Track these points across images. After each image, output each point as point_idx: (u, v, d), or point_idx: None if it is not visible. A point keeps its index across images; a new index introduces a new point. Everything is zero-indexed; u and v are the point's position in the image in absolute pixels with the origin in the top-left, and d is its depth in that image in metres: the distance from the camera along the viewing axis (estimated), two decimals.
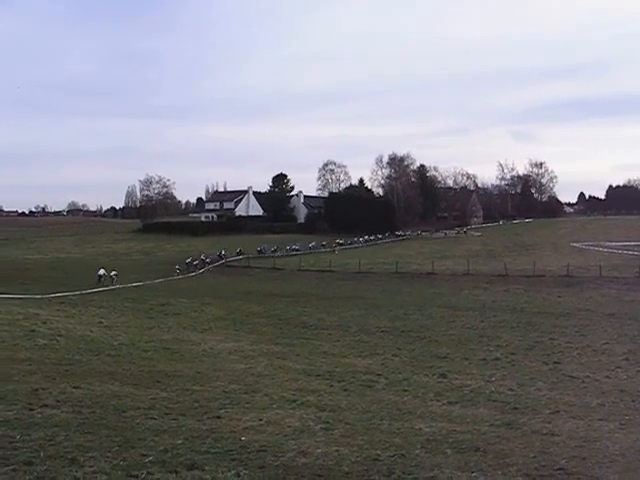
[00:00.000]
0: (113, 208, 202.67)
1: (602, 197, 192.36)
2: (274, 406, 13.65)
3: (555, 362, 21.08)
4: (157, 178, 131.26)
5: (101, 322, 28.24)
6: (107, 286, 47.21)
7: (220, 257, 73.28)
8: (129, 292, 43.74)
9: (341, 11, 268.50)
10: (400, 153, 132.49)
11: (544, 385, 17.33)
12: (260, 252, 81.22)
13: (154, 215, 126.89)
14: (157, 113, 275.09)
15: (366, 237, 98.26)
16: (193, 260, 67.93)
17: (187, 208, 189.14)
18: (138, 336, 24.64)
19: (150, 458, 9.30)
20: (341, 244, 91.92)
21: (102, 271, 50.56)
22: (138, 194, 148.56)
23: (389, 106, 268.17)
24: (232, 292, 45.90)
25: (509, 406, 14.70)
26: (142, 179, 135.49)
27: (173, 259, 74.13)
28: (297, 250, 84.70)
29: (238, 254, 76.85)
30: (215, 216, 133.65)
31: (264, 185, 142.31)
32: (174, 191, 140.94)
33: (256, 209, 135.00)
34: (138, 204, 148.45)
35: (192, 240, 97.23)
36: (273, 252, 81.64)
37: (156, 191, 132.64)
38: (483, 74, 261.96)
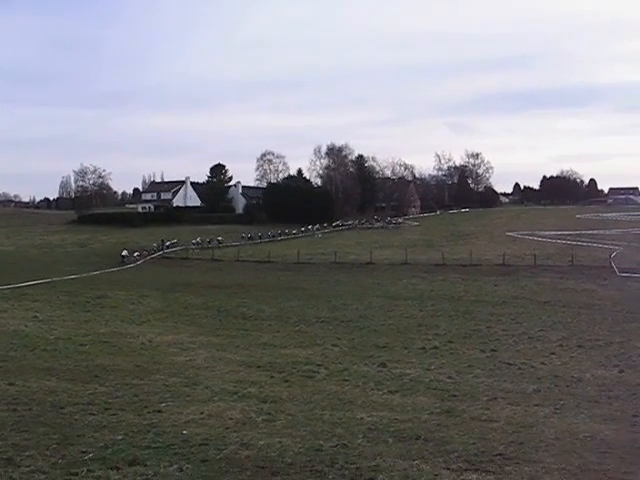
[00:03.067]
0: (47, 199, 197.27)
1: (536, 187, 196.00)
2: (215, 399, 13.58)
3: (492, 350, 21.49)
4: (92, 168, 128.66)
5: (36, 316, 27.61)
6: (130, 264, 59.41)
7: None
8: (64, 285, 42.88)
9: None
10: (338, 143, 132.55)
11: (482, 372, 17.67)
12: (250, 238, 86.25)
13: (89, 206, 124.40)
14: (92, 102, 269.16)
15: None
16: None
17: (123, 199, 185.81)
18: (75, 330, 24.18)
19: (90, 455, 9.16)
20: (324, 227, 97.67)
21: (125, 252, 62.99)
22: (73, 185, 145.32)
23: (328, 96, 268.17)
24: (170, 284, 45.39)
25: (448, 394, 14.95)
26: (77, 169, 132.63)
27: (109, 251, 72.96)
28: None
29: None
30: (152, 207, 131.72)
31: (202, 175, 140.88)
32: (110, 182, 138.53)
33: (194, 200, 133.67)
34: (73, 195, 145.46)
35: (129, 231, 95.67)
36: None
37: (91, 182, 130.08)
38: (421, 66, 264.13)
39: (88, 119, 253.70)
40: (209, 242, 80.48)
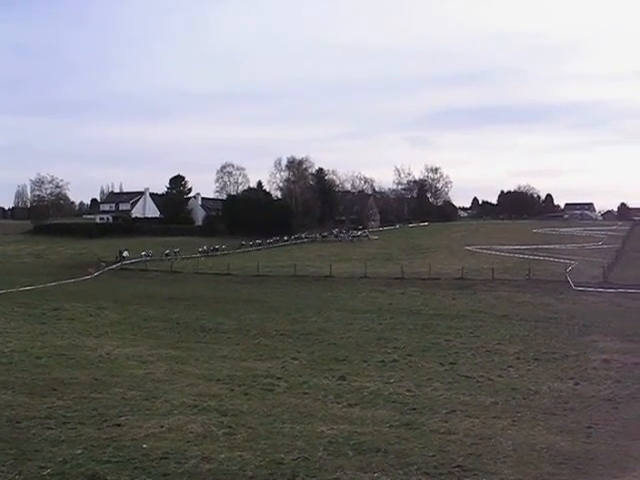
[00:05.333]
0: (2, 208, 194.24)
1: (494, 202, 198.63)
2: (175, 412, 13.51)
3: (451, 363, 21.68)
4: (49, 178, 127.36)
5: None
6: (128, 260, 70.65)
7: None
8: (20, 296, 42.22)
9: (243, 12, 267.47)
10: (299, 156, 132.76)
11: (441, 385, 17.83)
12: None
13: (46, 216, 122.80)
14: (50, 110, 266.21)
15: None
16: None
17: (81, 209, 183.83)
18: (31, 342, 23.81)
19: (49, 470, 9.05)
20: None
21: (126, 253, 73.06)
22: (29, 194, 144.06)
23: (289, 109, 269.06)
24: (129, 296, 45.00)
25: (408, 407, 15.06)
26: (33, 179, 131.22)
27: (66, 262, 72.11)
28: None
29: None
30: (110, 217, 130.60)
31: (161, 187, 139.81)
32: (67, 192, 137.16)
33: (153, 211, 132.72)
34: (29, 205, 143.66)
35: (86, 242, 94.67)
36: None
37: (48, 191, 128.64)
38: (381, 81, 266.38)
39: (46, 128, 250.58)
40: (212, 250, 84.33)
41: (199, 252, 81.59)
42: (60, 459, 9.62)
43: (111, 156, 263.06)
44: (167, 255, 77.01)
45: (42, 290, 47.72)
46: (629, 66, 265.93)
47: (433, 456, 10.62)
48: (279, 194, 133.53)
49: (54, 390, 15.34)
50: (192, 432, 11.78)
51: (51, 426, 11.77)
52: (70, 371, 18.41)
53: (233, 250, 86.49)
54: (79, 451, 10.08)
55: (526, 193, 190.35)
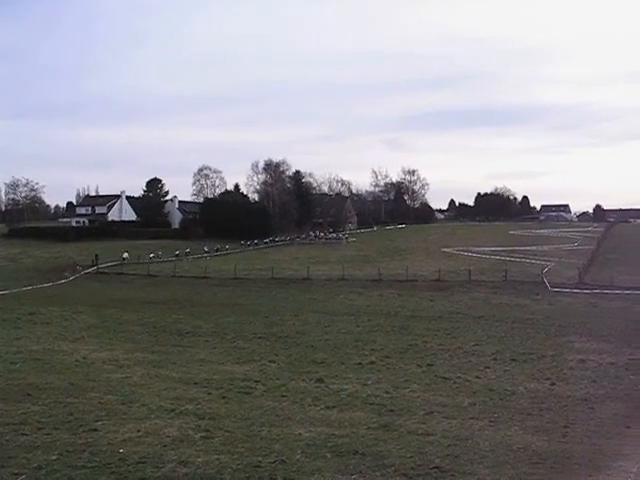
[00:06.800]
0: None
1: (471, 204, 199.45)
2: (152, 416, 13.43)
3: (428, 364, 21.78)
4: (24, 181, 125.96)
5: None
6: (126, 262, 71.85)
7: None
8: None
9: (221, 15, 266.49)
10: (276, 159, 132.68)
11: (418, 387, 17.89)
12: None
13: (21, 220, 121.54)
14: (25, 114, 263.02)
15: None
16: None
17: (57, 213, 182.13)
18: (5, 347, 23.54)
19: (23, 477, 8.97)
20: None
21: (126, 254, 74.76)
22: (3, 197, 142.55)
23: (266, 112, 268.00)
24: (105, 299, 44.65)
25: (385, 408, 15.10)
26: (8, 182, 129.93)
27: (42, 266, 71.40)
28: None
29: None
30: (87, 221, 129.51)
31: (138, 189, 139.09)
32: (43, 195, 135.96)
33: (129, 214, 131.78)
34: (3, 208, 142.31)
35: (62, 246, 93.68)
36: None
37: (23, 195, 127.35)
38: (358, 83, 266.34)
39: (20, 131, 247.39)
40: (216, 250, 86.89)
41: (205, 252, 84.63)
42: (35, 465, 9.52)
43: (87, 159, 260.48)
44: (177, 256, 78.98)
45: (17, 294, 47.26)
46: (604, 70, 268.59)
47: (411, 457, 10.65)
48: (256, 197, 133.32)
49: (29, 395, 15.18)
50: (169, 436, 11.72)
51: (26, 432, 11.64)
52: (45, 376, 18.22)
53: (240, 250, 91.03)
54: (54, 457, 9.98)
55: (502, 195, 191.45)
